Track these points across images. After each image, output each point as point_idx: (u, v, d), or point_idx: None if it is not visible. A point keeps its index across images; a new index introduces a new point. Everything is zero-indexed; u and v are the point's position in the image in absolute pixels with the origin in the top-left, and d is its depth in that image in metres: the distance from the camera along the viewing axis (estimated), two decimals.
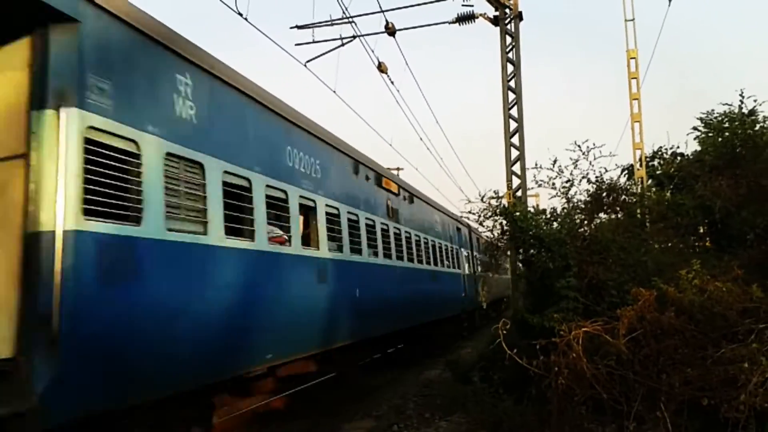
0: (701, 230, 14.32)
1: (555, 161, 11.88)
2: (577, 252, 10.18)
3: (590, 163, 11.88)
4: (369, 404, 12.94)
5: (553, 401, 7.08)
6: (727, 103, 14.08)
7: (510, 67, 14.36)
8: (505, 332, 7.91)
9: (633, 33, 19.59)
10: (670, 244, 12.31)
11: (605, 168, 13.29)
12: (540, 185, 12.40)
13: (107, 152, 5.52)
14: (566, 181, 11.95)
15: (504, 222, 11.65)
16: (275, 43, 12.38)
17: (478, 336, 23.21)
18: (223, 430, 10.82)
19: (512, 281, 13.97)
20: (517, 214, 11.22)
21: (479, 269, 25.99)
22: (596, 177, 12.32)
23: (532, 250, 11.19)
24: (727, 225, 12.58)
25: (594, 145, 11.78)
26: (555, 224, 11.37)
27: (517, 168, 14.30)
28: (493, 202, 11.89)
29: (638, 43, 25.04)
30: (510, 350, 7.62)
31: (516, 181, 14.29)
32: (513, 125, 14.38)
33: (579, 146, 11.75)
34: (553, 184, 12.02)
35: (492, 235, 12.63)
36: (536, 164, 12.23)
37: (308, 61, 14.86)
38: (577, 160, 11.84)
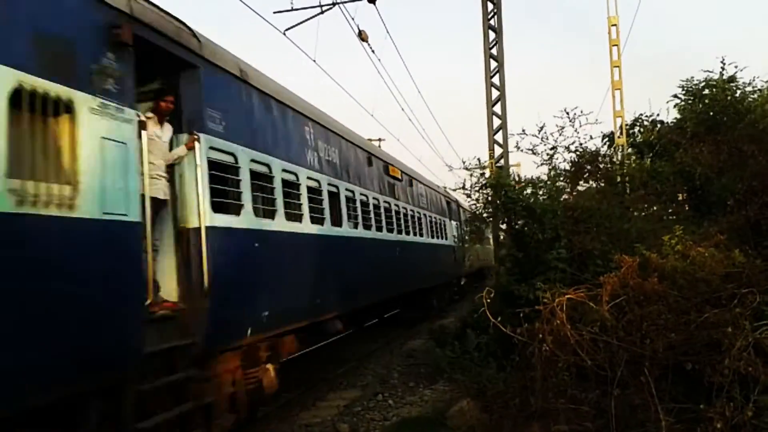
0: (680, 197, 14.39)
1: (542, 128, 11.82)
2: (565, 222, 10.17)
3: (576, 130, 11.85)
4: (354, 374, 13.00)
5: (537, 368, 7.10)
6: (708, 70, 14.09)
7: (492, 35, 14.23)
8: (488, 300, 7.93)
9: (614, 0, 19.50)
10: (651, 212, 12.36)
11: (590, 135, 13.29)
12: (522, 151, 12.36)
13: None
14: (551, 148, 11.91)
15: (490, 193, 11.61)
16: (252, 10, 12.16)
17: (460, 306, 23.37)
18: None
19: (495, 251, 13.98)
20: (507, 184, 11.17)
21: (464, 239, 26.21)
22: (578, 146, 12.32)
23: (520, 222, 11.17)
24: (707, 191, 12.63)
25: (582, 112, 11.74)
26: (540, 192, 11.32)
27: (499, 137, 14.24)
28: (477, 171, 11.85)
29: (619, 9, 24.96)
30: (494, 318, 7.65)
31: (498, 150, 14.24)
32: (495, 94, 14.30)
33: (567, 113, 11.70)
34: (535, 151, 11.98)
35: (477, 206, 12.60)
36: (522, 130, 12.17)
37: (287, 30, 14.62)
38: (563, 127, 11.80)
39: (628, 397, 6.47)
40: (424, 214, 19.91)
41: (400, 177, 17.04)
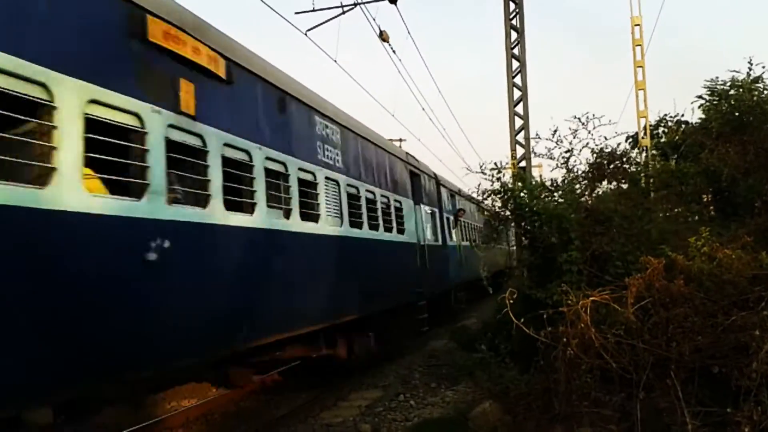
0: (705, 198, 14.24)
1: (555, 131, 11.72)
2: (579, 224, 10.08)
3: (589, 132, 11.73)
4: (375, 375, 12.99)
5: (561, 371, 7.04)
6: (734, 70, 13.91)
7: (514, 35, 14.18)
8: (511, 302, 7.88)
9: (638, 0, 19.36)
10: (674, 213, 12.23)
11: (605, 137, 13.13)
12: (537, 156, 12.28)
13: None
14: (566, 151, 11.80)
15: (503, 197, 11.51)
16: (274, 11, 12.18)
17: (482, 306, 23.24)
18: (232, 399, 10.91)
19: (517, 252, 13.89)
20: (515, 190, 11.07)
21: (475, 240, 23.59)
22: (596, 146, 12.20)
23: (532, 225, 11.09)
24: (733, 192, 12.50)
25: (594, 115, 11.62)
26: (556, 195, 11.23)
27: (521, 137, 14.19)
28: (493, 175, 11.74)
29: (642, 9, 24.74)
30: (517, 320, 7.61)
31: (520, 151, 14.18)
32: (517, 94, 14.24)
33: (578, 118, 11.60)
34: (551, 155, 11.89)
35: (493, 208, 12.49)
36: (536, 134, 12.08)
37: (309, 30, 14.66)
38: (576, 130, 11.68)
39: (654, 400, 6.40)
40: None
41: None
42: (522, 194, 10.76)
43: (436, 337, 17.32)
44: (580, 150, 11.89)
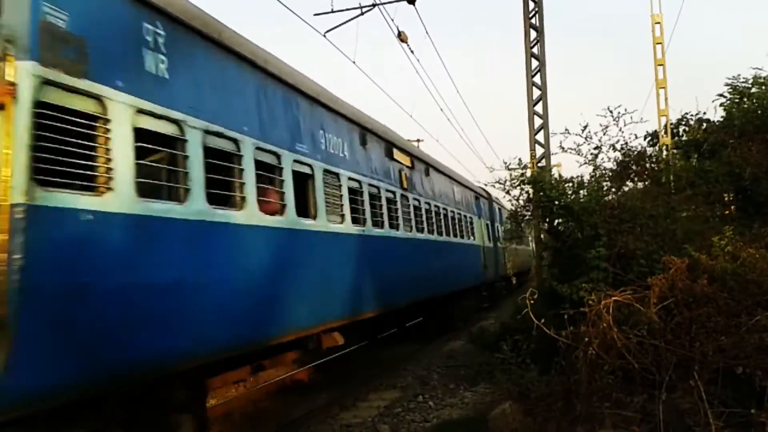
0: (727, 198, 14.06)
1: (585, 127, 11.60)
2: (606, 221, 10.00)
3: (620, 129, 11.62)
4: (394, 375, 12.97)
5: (582, 371, 6.98)
6: (757, 67, 13.73)
7: (533, 34, 14.10)
8: (532, 302, 7.82)
9: None
10: (697, 212, 12.08)
11: (635, 134, 13.04)
12: (566, 151, 12.14)
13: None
14: (594, 148, 11.70)
15: (530, 191, 11.46)
16: (293, 12, 12.20)
17: (499, 307, 23.19)
18: (252, 400, 10.93)
19: (537, 252, 13.81)
20: (545, 183, 11.01)
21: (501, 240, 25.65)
22: (623, 145, 12.08)
23: (559, 220, 11.02)
24: (756, 192, 12.32)
25: (626, 110, 11.51)
26: (582, 192, 11.14)
27: (540, 137, 14.10)
28: (518, 171, 11.71)
29: (663, 8, 24.51)
30: (537, 320, 7.55)
31: (539, 150, 14.09)
32: (536, 93, 14.16)
33: (611, 111, 11.47)
34: (579, 150, 11.78)
35: (517, 204, 12.42)
36: (565, 129, 11.96)
37: (327, 32, 14.67)
38: (607, 126, 11.57)
39: (676, 401, 6.33)
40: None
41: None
42: (552, 188, 10.72)
43: (453, 338, 17.29)
44: (609, 147, 11.81)
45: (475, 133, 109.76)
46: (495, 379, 10.04)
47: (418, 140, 33.79)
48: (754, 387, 5.94)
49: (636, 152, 12.38)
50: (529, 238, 22.14)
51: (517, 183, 11.38)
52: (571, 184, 11.33)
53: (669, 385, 6.30)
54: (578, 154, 11.76)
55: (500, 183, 12.08)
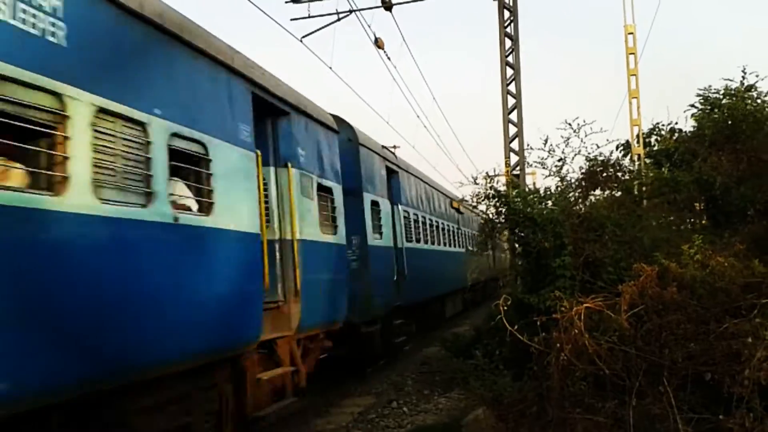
0: (697, 206, 14.27)
1: (546, 140, 11.67)
2: (572, 230, 10.09)
3: (581, 140, 11.70)
4: (368, 381, 12.96)
5: (554, 377, 7.05)
6: (728, 79, 13.96)
7: (508, 43, 14.23)
8: (505, 308, 7.88)
9: (631, 8, 19.44)
10: (667, 221, 12.24)
11: (597, 145, 13.09)
12: (531, 165, 12.25)
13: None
14: (558, 160, 11.77)
15: (497, 203, 11.49)
16: (270, 17, 12.21)
17: (473, 314, 23.30)
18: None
19: (510, 261, 13.89)
20: (510, 195, 11.06)
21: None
22: (588, 154, 12.17)
23: (525, 231, 11.07)
24: (726, 201, 12.52)
25: (585, 122, 11.57)
26: (549, 203, 11.21)
27: (515, 145, 14.22)
28: (484, 183, 11.69)
29: (636, 18, 24.79)
30: (510, 327, 7.61)
31: (514, 158, 14.21)
32: (511, 102, 14.28)
33: (569, 124, 11.55)
34: (544, 164, 11.84)
35: (487, 216, 12.48)
36: (528, 145, 12.06)
37: (304, 37, 14.70)
38: (568, 138, 11.62)
39: (646, 407, 6.41)
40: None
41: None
42: (516, 200, 10.77)
43: (428, 344, 17.32)
44: (572, 158, 11.88)
45: (451, 140, 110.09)
46: (469, 385, 10.08)
47: (394, 146, 33.81)
48: (722, 393, 6.03)
49: (602, 160, 12.45)
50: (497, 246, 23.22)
51: (483, 197, 11.37)
52: (536, 196, 11.38)
53: (639, 390, 6.38)
54: (543, 168, 11.84)
55: (469, 198, 12.11)
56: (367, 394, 11.88)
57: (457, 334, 15.81)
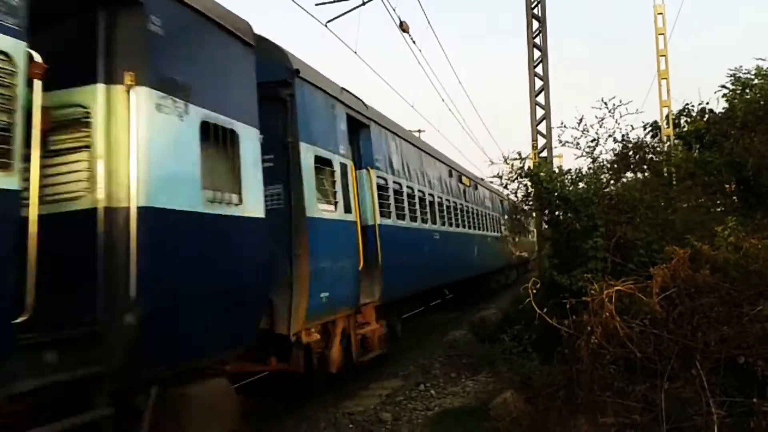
0: (728, 188, 14.08)
1: (581, 120, 11.59)
2: (604, 212, 10.02)
3: (616, 121, 11.60)
4: (395, 364, 13.00)
5: (584, 360, 7.01)
6: (759, 58, 13.72)
7: (536, 24, 14.08)
8: (534, 292, 7.86)
9: None
10: (698, 203, 12.10)
11: (632, 126, 13.03)
12: (564, 145, 12.15)
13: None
14: (591, 140, 11.68)
15: (529, 184, 11.45)
16: (295, 2, 12.15)
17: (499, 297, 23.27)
18: (251, 385, 10.94)
19: (538, 242, 13.84)
20: (542, 174, 11.01)
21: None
22: (622, 136, 12.07)
23: (558, 211, 11.04)
24: (758, 182, 12.34)
25: (620, 102, 11.48)
26: (581, 184, 11.15)
27: (542, 127, 14.12)
28: (517, 163, 11.70)
29: None
30: (539, 310, 7.58)
31: (541, 141, 14.10)
32: (538, 84, 14.15)
33: (605, 103, 11.44)
34: (578, 143, 11.77)
35: (516, 198, 12.43)
36: (561, 123, 11.97)
37: (329, 21, 14.62)
38: (602, 118, 11.54)
39: (678, 390, 6.35)
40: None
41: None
42: (549, 180, 10.74)
43: (455, 327, 17.34)
44: (606, 139, 11.78)
45: (477, 124, 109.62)
46: (496, 369, 10.08)
47: (419, 131, 33.73)
48: (755, 376, 5.97)
49: (634, 142, 12.34)
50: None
51: (514, 177, 11.33)
52: (569, 176, 11.34)
53: (671, 374, 6.33)
54: (576, 148, 11.76)
55: (499, 177, 12.05)
56: (395, 377, 11.92)
57: (484, 318, 15.80)
